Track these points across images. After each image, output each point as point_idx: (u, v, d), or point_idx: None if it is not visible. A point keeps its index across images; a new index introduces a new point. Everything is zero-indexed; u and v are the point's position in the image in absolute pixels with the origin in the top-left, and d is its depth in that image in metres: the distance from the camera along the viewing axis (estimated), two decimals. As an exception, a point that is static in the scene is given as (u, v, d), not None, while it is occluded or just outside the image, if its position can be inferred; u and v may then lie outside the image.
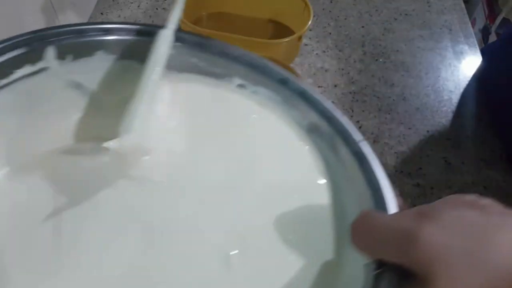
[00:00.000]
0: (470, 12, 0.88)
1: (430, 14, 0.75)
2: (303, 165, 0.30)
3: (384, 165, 0.57)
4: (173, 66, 0.32)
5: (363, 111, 0.60)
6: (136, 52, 0.31)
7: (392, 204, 0.24)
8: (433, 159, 0.56)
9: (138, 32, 0.32)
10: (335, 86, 0.63)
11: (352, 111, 0.60)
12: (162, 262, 0.27)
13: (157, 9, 0.70)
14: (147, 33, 0.31)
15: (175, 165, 0.30)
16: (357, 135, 0.28)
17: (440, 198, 0.54)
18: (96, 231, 0.27)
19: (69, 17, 0.60)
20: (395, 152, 0.56)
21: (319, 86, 0.63)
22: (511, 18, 1.08)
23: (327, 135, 0.29)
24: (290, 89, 0.31)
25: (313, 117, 0.30)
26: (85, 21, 0.67)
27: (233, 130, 0.32)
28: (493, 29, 1.15)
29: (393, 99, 0.62)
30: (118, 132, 0.27)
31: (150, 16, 0.69)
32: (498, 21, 1.13)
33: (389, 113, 0.60)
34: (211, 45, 0.33)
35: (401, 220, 0.21)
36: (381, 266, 0.21)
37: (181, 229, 0.28)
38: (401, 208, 0.25)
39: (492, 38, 1.15)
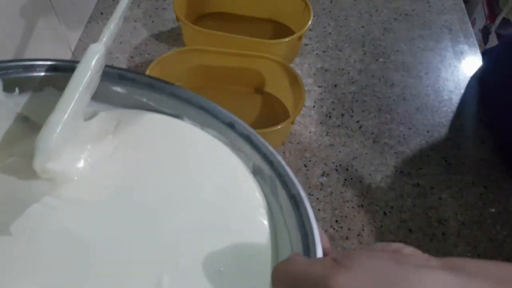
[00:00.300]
0: (470, 12, 0.88)
1: (430, 14, 0.75)
2: (245, 201, 0.30)
3: (384, 165, 0.57)
4: (121, 103, 0.33)
5: (363, 111, 0.60)
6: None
7: (319, 250, 0.25)
8: (433, 159, 0.56)
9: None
10: (335, 86, 0.63)
11: (352, 111, 0.60)
12: (93, 283, 0.26)
13: (157, 9, 0.70)
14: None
15: (111, 188, 0.30)
16: (295, 180, 0.29)
17: (440, 198, 0.55)
18: (28, 251, 0.26)
19: (69, 17, 0.60)
20: (395, 152, 0.56)
21: (319, 86, 0.63)
22: (511, 18, 1.08)
23: (269, 178, 0.31)
24: (236, 132, 0.32)
25: (257, 160, 0.31)
26: (85, 21, 0.67)
27: (178, 157, 0.32)
28: (493, 29, 1.15)
29: (393, 99, 0.62)
30: (34, 148, 0.26)
31: (150, 16, 0.69)
32: (498, 21, 1.13)
33: (389, 113, 0.60)
34: (161, 86, 0.33)
35: (316, 267, 0.21)
36: None
37: (113, 251, 0.27)
38: (326, 251, 0.25)
39: (492, 38, 1.15)
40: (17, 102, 0.31)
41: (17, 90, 0.31)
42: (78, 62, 0.30)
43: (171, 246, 0.28)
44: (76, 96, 0.28)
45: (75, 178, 0.29)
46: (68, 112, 0.27)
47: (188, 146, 0.33)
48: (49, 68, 0.32)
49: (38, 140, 0.26)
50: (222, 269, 0.27)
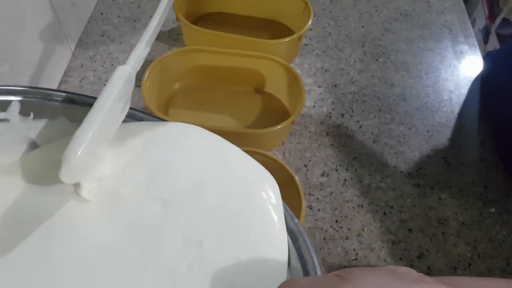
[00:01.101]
0: (470, 12, 0.88)
1: (430, 14, 0.75)
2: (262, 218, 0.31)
3: (384, 165, 0.57)
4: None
5: (363, 111, 0.60)
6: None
7: (319, 273, 0.27)
8: (433, 159, 0.56)
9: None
10: (335, 86, 0.63)
11: (352, 111, 0.60)
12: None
13: (157, 9, 0.70)
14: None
15: (132, 195, 0.31)
16: (291, 213, 0.31)
17: (440, 198, 0.55)
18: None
19: (69, 17, 0.60)
20: (395, 152, 0.56)
21: (319, 86, 0.63)
22: (511, 18, 1.08)
23: None
24: None
25: None
26: (85, 21, 0.67)
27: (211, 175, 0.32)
28: (493, 29, 1.15)
29: (393, 99, 0.62)
30: (62, 159, 0.27)
31: (150, 16, 0.69)
32: (498, 21, 1.13)
33: (389, 113, 0.60)
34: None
35: (321, 283, 0.21)
36: None
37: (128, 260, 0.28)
38: None
39: (492, 38, 1.15)
40: (29, 126, 0.33)
41: (32, 115, 0.33)
42: (94, 98, 0.31)
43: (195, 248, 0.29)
44: (102, 112, 0.29)
45: (98, 188, 0.30)
46: (95, 127, 0.28)
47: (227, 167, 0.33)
48: (65, 99, 0.33)
49: (66, 152, 0.27)
50: (236, 278, 0.28)
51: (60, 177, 0.27)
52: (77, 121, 0.32)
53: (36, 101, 0.33)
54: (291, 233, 0.30)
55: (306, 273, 0.27)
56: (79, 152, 0.27)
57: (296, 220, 0.30)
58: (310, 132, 0.57)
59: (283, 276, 0.28)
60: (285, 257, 0.29)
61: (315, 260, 0.27)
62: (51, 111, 0.33)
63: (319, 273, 0.26)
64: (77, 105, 0.33)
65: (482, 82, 0.65)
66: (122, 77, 0.31)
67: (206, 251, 0.28)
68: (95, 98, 0.30)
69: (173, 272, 0.28)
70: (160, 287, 0.27)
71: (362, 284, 0.20)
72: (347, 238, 0.48)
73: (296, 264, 0.28)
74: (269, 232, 0.30)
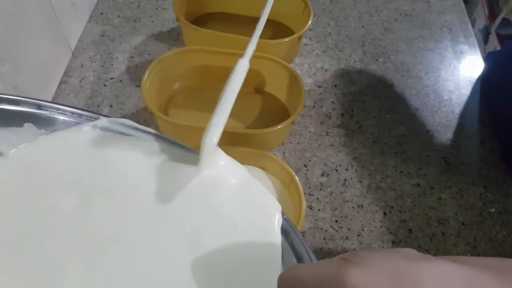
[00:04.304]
0: (470, 12, 0.88)
1: (430, 14, 0.75)
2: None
3: (384, 165, 0.57)
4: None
5: (363, 111, 0.60)
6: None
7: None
8: (433, 159, 0.56)
9: (69, 113, 0.33)
10: (335, 86, 0.63)
11: (352, 111, 0.60)
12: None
13: (157, 9, 0.70)
14: (78, 115, 0.33)
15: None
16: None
17: (440, 198, 0.55)
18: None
19: (69, 17, 0.60)
20: (395, 152, 0.56)
21: (319, 86, 0.63)
22: (511, 18, 1.08)
23: None
24: None
25: None
26: (85, 21, 0.67)
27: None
28: (493, 29, 1.15)
29: (393, 99, 0.62)
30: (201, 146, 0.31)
31: (150, 16, 0.69)
32: (498, 21, 1.13)
33: (389, 113, 0.60)
34: None
35: (326, 266, 0.20)
36: None
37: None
38: None
39: (492, 38, 1.15)
40: None
41: None
42: (59, 104, 0.33)
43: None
44: (232, 103, 0.34)
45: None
46: (226, 116, 0.33)
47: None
48: (32, 105, 0.33)
49: (206, 138, 0.31)
50: (235, 279, 0.28)
51: (200, 161, 0.31)
52: (45, 128, 0.33)
53: (2, 108, 0.32)
54: (281, 229, 0.30)
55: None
56: (216, 138, 0.31)
57: (285, 216, 0.30)
58: (310, 132, 0.57)
59: (277, 272, 0.28)
60: (278, 253, 0.29)
61: (310, 251, 0.27)
62: (17, 118, 0.32)
63: (315, 260, 0.26)
64: (44, 111, 0.33)
65: (483, 83, 0.65)
66: (245, 69, 0.36)
67: (201, 247, 0.29)
68: (63, 105, 0.33)
69: (170, 267, 0.28)
70: (157, 278, 0.28)
71: (370, 264, 0.19)
72: (347, 238, 0.48)
73: (291, 258, 0.28)
74: (262, 229, 0.30)
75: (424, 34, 0.72)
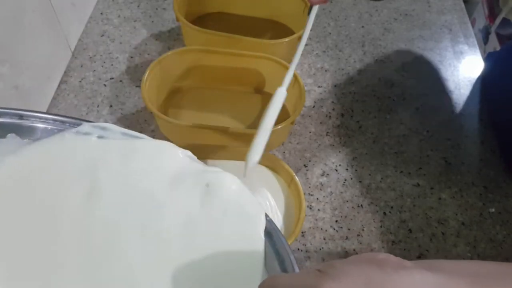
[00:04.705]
0: (470, 12, 0.88)
1: (430, 14, 0.75)
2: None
3: (384, 165, 0.57)
4: None
5: (363, 111, 0.60)
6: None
7: (297, 269, 0.27)
8: (433, 159, 0.56)
9: (51, 120, 0.33)
10: (335, 86, 0.63)
11: (352, 111, 0.60)
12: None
13: (157, 9, 0.70)
14: (61, 122, 0.33)
15: None
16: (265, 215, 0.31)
17: (440, 198, 0.55)
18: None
19: (69, 17, 0.60)
20: (395, 152, 0.56)
21: (319, 86, 0.63)
22: (511, 18, 1.08)
23: None
24: None
25: None
26: (85, 21, 0.67)
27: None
28: (493, 29, 1.15)
29: (393, 99, 0.62)
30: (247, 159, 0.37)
31: (150, 16, 0.69)
32: (498, 21, 1.13)
33: (389, 113, 0.60)
34: None
35: (303, 279, 0.21)
36: None
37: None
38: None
39: (492, 38, 1.15)
40: None
41: None
42: (41, 112, 0.33)
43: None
44: (271, 126, 0.39)
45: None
46: (266, 138, 0.38)
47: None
48: (14, 116, 0.33)
49: (251, 155, 0.37)
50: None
51: (244, 174, 0.36)
52: (28, 138, 0.32)
53: None
54: (265, 230, 0.30)
55: (283, 270, 0.27)
56: (259, 156, 0.37)
57: (268, 218, 0.30)
58: (310, 132, 0.57)
59: (259, 275, 0.28)
60: (261, 256, 0.29)
61: (291, 256, 0.27)
62: (0, 129, 0.32)
63: (296, 269, 0.26)
64: (27, 120, 0.33)
65: (483, 83, 0.65)
66: (283, 97, 0.41)
67: (178, 250, 0.29)
68: (45, 113, 0.33)
69: (146, 271, 0.28)
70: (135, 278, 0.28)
71: (345, 277, 0.20)
72: (347, 238, 0.48)
73: (273, 262, 0.28)
74: (245, 231, 0.30)
75: (424, 34, 0.72)
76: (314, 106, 0.60)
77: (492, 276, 0.22)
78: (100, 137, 0.33)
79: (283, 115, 0.58)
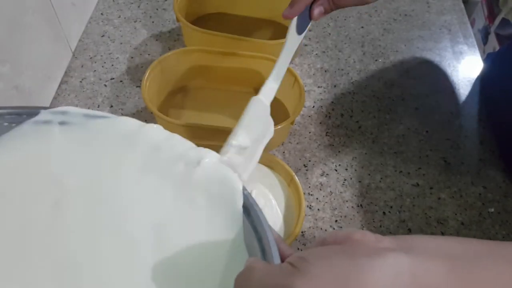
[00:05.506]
0: (469, 13, 0.88)
1: (430, 15, 0.75)
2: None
3: (384, 165, 0.57)
4: None
5: (362, 111, 0.61)
6: None
7: (275, 251, 0.25)
8: (433, 159, 0.56)
9: (7, 115, 0.31)
10: (335, 86, 0.63)
11: (352, 111, 0.60)
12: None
13: (157, 9, 0.71)
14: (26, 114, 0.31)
15: None
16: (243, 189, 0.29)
17: (439, 198, 0.55)
18: None
19: (69, 18, 0.60)
20: (395, 152, 0.57)
21: (318, 87, 0.63)
22: (510, 18, 1.08)
23: None
24: None
25: None
26: (86, 21, 0.67)
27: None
28: (492, 29, 1.15)
29: (393, 99, 0.62)
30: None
31: (150, 17, 0.69)
32: (497, 21, 1.13)
33: (388, 113, 0.61)
34: None
35: (275, 277, 0.21)
36: None
37: None
38: (281, 250, 0.26)
39: (492, 38, 1.15)
40: None
41: None
42: (23, 108, 0.31)
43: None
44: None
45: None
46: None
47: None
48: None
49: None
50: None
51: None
52: None
53: None
54: (243, 205, 0.28)
55: (262, 248, 0.26)
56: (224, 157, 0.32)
57: (246, 192, 0.29)
58: (309, 132, 0.57)
59: (242, 253, 0.28)
60: (240, 233, 0.28)
61: (269, 234, 0.26)
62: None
63: (274, 247, 0.25)
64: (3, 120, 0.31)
65: (482, 83, 0.65)
66: (256, 104, 0.39)
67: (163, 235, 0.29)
68: (3, 108, 0.31)
69: (132, 253, 0.28)
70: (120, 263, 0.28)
71: (316, 272, 0.20)
72: (346, 238, 0.49)
73: (252, 239, 0.27)
74: (224, 208, 0.29)
75: (423, 34, 0.72)
76: (313, 106, 0.60)
77: (474, 257, 0.22)
78: (62, 123, 0.31)
79: (283, 115, 0.58)
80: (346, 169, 0.54)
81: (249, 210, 0.28)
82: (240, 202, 0.28)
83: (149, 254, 0.28)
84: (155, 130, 0.31)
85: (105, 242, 0.29)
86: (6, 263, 0.28)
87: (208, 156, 0.30)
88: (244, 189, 0.29)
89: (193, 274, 0.28)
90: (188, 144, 0.31)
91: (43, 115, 0.31)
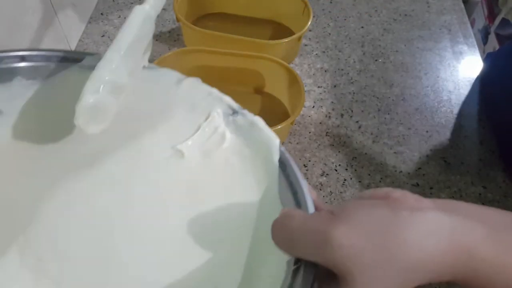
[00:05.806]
0: (469, 13, 0.88)
1: (430, 15, 0.75)
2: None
3: (384, 165, 0.57)
4: None
5: (362, 111, 0.61)
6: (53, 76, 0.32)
7: (310, 205, 0.26)
8: (433, 159, 0.56)
9: (54, 58, 0.33)
10: (335, 86, 0.63)
11: (352, 111, 0.60)
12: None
13: (157, 9, 0.70)
14: (64, 59, 0.33)
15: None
16: (281, 147, 0.30)
17: (439, 198, 0.55)
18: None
19: (69, 18, 0.60)
20: (395, 152, 0.57)
21: (318, 87, 0.63)
22: (510, 18, 1.08)
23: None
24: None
25: None
26: (86, 21, 0.67)
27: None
28: (492, 29, 1.15)
29: (393, 99, 0.62)
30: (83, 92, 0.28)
31: (150, 17, 0.69)
32: (497, 21, 1.13)
33: (388, 113, 0.61)
34: None
35: (315, 222, 0.21)
36: (298, 262, 0.23)
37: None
38: (316, 204, 0.26)
39: (492, 38, 1.15)
40: None
41: None
42: (42, 50, 0.32)
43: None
44: (119, 55, 0.30)
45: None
46: (112, 67, 0.29)
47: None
48: (15, 58, 0.32)
49: (83, 92, 0.28)
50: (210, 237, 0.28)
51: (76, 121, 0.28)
52: (35, 79, 0.32)
53: None
54: (279, 160, 0.29)
55: (297, 202, 0.26)
56: (92, 99, 0.27)
57: (282, 148, 0.29)
58: (309, 132, 0.57)
59: (275, 206, 0.28)
60: (275, 187, 0.29)
61: (304, 188, 0.27)
62: (5, 74, 0.32)
63: (310, 201, 0.25)
64: (29, 62, 0.32)
65: (482, 83, 0.65)
66: (140, 16, 0.31)
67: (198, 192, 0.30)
68: (51, 51, 0.32)
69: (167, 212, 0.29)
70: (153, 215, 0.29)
71: (357, 220, 0.20)
72: (346, 238, 0.49)
73: (287, 193, 0.27)
74: (260, 162, 0.30)
75: (423, 34, 0.72)
76: (313, 107, 0.60)
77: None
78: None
79: (283, 115, 0.58)
80: (346, 169, 0.54)
81: (285, 165, 0.28)
82: (276, 157, 0.29)
83: (185, 201, 0.29)
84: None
85: (138, 198, 0.30)
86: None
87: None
88: (280, 145, 0.29)
89: (227, 225, 0.28)
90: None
91: (87, 61, 0.32)
